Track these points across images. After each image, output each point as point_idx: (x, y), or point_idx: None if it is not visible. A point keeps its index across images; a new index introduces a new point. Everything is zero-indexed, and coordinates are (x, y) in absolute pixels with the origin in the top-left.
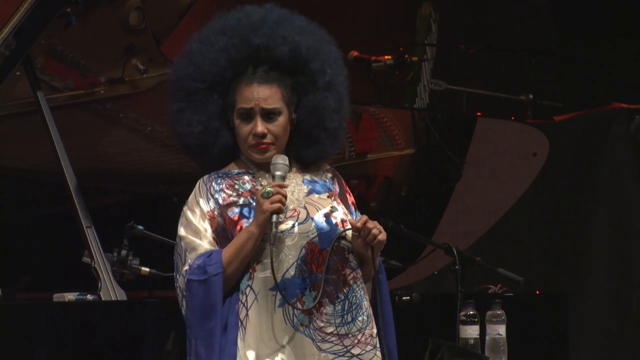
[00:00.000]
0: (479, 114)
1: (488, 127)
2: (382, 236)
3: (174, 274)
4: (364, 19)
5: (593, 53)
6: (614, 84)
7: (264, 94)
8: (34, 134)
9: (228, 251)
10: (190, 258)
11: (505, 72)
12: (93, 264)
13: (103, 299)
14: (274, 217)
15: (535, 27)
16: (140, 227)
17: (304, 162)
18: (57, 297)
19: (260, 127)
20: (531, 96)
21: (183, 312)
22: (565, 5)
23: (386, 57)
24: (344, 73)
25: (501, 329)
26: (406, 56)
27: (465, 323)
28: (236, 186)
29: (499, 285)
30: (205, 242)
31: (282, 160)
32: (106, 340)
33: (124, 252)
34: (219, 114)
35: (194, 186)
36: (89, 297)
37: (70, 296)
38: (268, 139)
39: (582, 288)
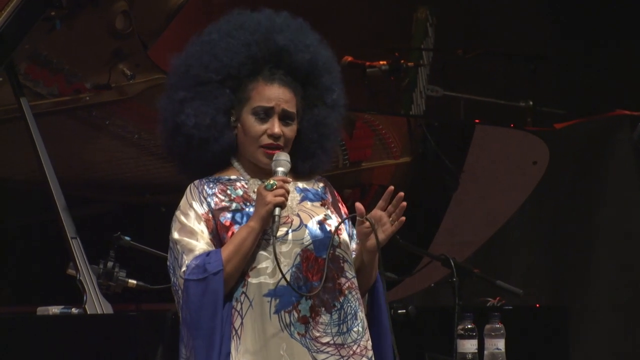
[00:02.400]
0: (477, 121)
1: (486, 134)
2: (402, 219)
3: (171, 279)
4: (358, 23)
5: (595, 58)
6: (616, 90)
7: (285, 96)
8: (17, 141)
9: (227, 248)
10: (188, 259)
11: (504, 78)
12: (78, 276)
13: (89, 313)
14: (277, 210)
15: (535, 31)
16: (127, 238)
17: (297, 173)
18: (41, 310)
19: (278, 128)
20: (531, 103)
21: (181, 316)
22: (566, 8)
23: (381, 62)
24: (345, 96)
25: (500, 344)
26: (402, 61)
27: (463, 337)
28: (228, 191)
29: (498, 298)
30: (202, 243)
31: (284, 157)
32: (92, 355)
33: (110, 264)
34: (226, 110)
35: (182, 195)
36: (74, 310)
37: (55, 310)
38: (281, 142)
39: (585, 301)
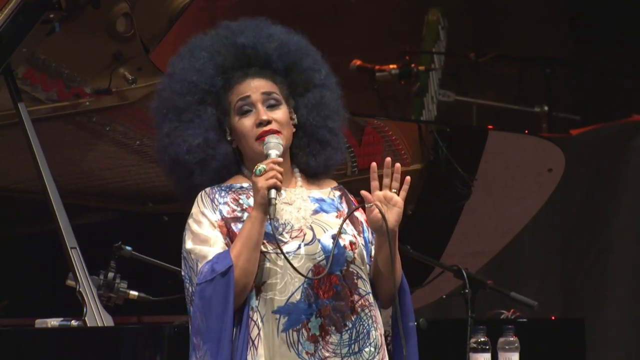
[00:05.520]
0: (490, 127)
1: (500, 141)
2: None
3: (188, 289)
4: (367, 26)
5: (612, 62)
6: (634, 96)
7: (260, 83)
8: (14, 148)
9: (235, 245)
10: (201, 265)
11: (518, 83)
12: (78, 287)
13: (89, 325)
14: (272, 193)
15: (550, 35)
16: (128, 248)
17: (312, 173)
18: (39, 322)
19: (264, 113)
20: (546, 108)
21: (194, 323)
22: (582, 12)
23: (391, 66)
24: (335, 77)
25: (514, 357)
26: (412, 65)
27: (475, 351)
28: (240, 201)
29: (512, 311)
30: (216, 248)
31: (274, 139)
32: None
33: (110, 275)
34: (215, 126)
35: (185, 204)
36: (74, 323)
37: (54, 322)
38: (274, 126)
39: (601, 313)
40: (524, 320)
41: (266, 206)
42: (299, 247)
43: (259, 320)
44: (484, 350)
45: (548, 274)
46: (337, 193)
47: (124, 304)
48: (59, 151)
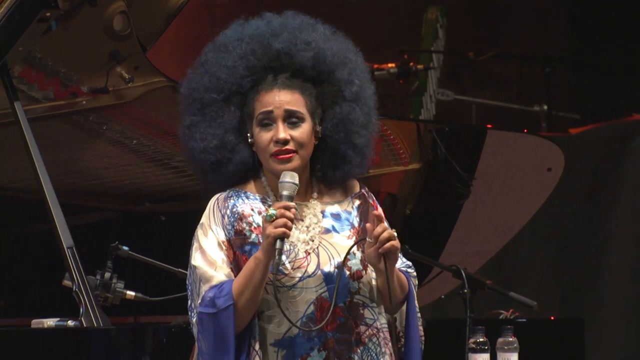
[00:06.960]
0: (489, 126)
1: (499, 140)
2: (395, 243)
3: (189, 303)
4: (366, 24)
5: (611, 61)
6: (634, 94)
7: (285, 97)
8: (10, 147)
9: (238, 281)
10: (204, 289)
11: (517, 81)
12: (74, 287)
13: (85, 326)
14: (278, 243)
15: (550, 33)
16: (126, 248)
17: (330, 184)
18: (35, 323)
19: (283, 132)
20: (545, 107)
21: (198, 345)
22: (582, 10)
23: (389, 64)
24: (372, 87)
25: (513, 358)
26: (411, 64)
27: (474, 351)
28: (250, 218)
29: (511, 311)
30: (220, 273)
31: (290, 178)
32: None
33: (107, 275)
34: (236, 127)
35: (183, 204)
36: (70, 323)
37: (50, 322)
38: (291, 146)
39: (600, 313)
40: (523, 320)
41: (271, 252)
42: (300, 280)
43: (260, 351)
44: (482, 351)
45: (547, 274)
46: (356, 203)
47: (120, 304)
48: (56, 150)
